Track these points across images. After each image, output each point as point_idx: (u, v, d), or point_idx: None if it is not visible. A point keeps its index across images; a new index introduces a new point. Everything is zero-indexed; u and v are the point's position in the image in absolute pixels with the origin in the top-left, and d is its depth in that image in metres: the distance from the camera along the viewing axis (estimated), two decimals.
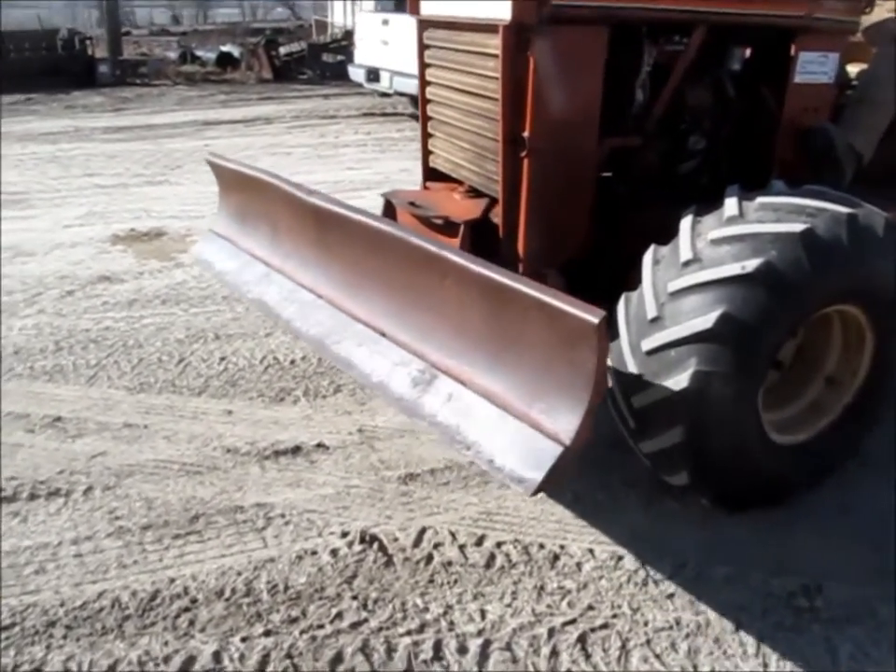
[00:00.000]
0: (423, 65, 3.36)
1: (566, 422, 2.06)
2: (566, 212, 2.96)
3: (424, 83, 3.40)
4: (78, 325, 4.58)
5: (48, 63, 17.08)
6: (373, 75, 11.65)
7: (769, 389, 2.95)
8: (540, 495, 2.95)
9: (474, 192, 3.25)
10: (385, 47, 11.24)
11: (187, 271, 5.48)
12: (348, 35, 15.73)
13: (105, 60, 18.25)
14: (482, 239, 3.08)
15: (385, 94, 12.77)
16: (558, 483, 2.09)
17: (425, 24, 3.29)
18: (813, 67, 3.20)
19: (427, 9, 3.21)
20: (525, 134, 2.77)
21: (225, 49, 20.14)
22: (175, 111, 13.67)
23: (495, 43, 2.75)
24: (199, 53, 20.50)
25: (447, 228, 3.14)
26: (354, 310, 2.88)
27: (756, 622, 2.49)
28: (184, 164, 9.23)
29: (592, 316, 1.94)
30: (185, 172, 8.86)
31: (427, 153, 3.55)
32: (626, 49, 2.93)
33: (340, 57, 17.10)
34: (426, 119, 3.48)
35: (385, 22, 11.25)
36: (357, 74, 12.40)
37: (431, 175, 3.57)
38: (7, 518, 2.91)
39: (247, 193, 3.52)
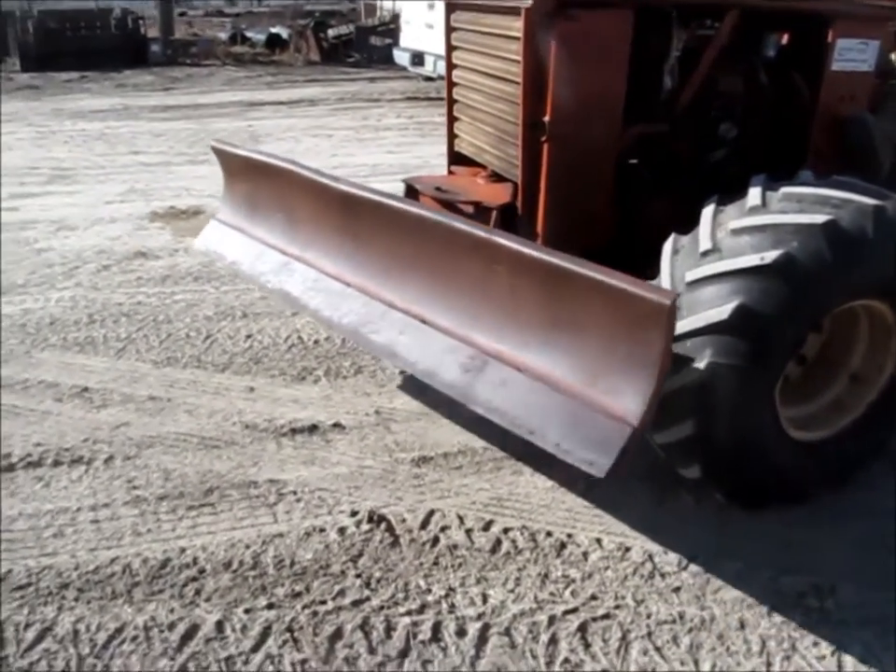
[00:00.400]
0: (450, 48, 3.35)
1: (632, 403, 2.06)
2: (586, 199, 2.92)
3: (450, 66, 3.39)
4: (112, 299, 4.68)
5: (102, 42, 17.41)
6: (418, 58, 11.65)
7: (791, 385, 2.90)
8: (552, 483, 2.99)
9: (497, 177, 3.23)
10: (430, 30, 11.21)
11: None
12: (396, 18, 15.71)
13: (156, 40, 18.53)
14: (504, 224, 3.06)
15: (429, 78, 12.77)
16: (626, 465, 2.10)
17: (452, 6, 3.28)
18: (851, 55, 3.11)
19: None
20: (546, 119, 2.74)
21: (274, 30, 20.31)
22: (222, 91, 13.84)
23: (517, 25, 2.73)
24: (249, 34, 20.69)
25: (475, 213, 3.12)
26: (389, 297, 2.81)
27: (762, 620, 2.45)
28: None
29: (664, 298, 1.96)
30: None
31: (452, 137, 3.54)
32: (654, 33, 2.88)
33: (387, 40, 17.10)
34: (451, 103, 3.47)
35: (431, 6, 11.22)
36: (401, 57, 12.41)
37: (456, 159, 3.56)
38: (31, 482, 3.00)
39: (259, 180, 3.41)
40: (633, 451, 2.06)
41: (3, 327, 4.29)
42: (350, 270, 3.00)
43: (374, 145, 9.36)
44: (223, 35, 21.02)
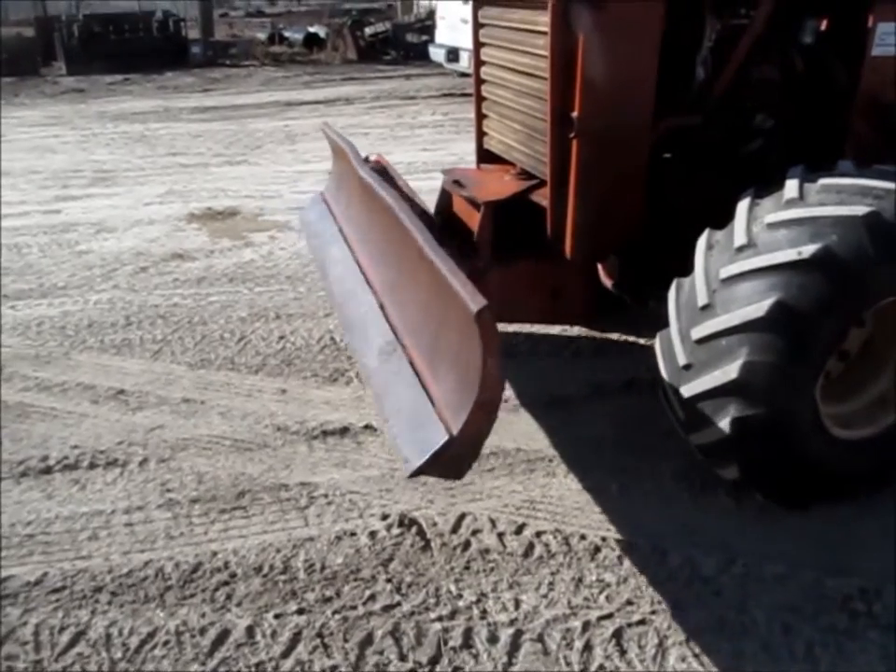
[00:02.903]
0: (477, 45, 3.31)
1: (456, 412, 1.98)
2: (617, 195, 2.86)
3: (478, 63, 3.35)
4: (149, 300, 4.73)
5: (144, 44, 17.71)
6: (453, 55, 11.60)
7: (833, 381, 2.80)
8: (586, 485, 2.95)
9: (525, 174, 3.18)
10: (464, 26, 11.13)
11: (256, 250, 5.59)
12: (432, 14, 15.67)
13: (197, 41, 18.77)
14: (531, 222, 3.03)
15: (464, 74, 12.67)
16: (449, 474, 2.17)
17: (479, 2, 3.23)
18: (893, 39, 2.98)
19: None
20: (574, 115, 2.68)
21: (312, 29, 20.42)
22: (260, 91, 13.96)
23: (544, 20, 2.67)
24: (287, 34, 20.84)
25: (473, 208, 3.16)
26: (370, 277, 2.99)
27: (807, 624, 2.37)
28: (263, 144, 9.41)
29: (473, 304, 1.84)
30: (264, 152, 9.02)
31: (480, 134, 3.50)
32: (686, 22, 2.80)
33: (424, 37, 17.09)
34: (479, 100, 3.43)
35: (466, 1, 11.15)
36: (437, 54, 12.38)
37: (485, 156, 3.52)
38: (68, 485, 3.03)
39: (339, 160, 3.77)
40: (455, 459, 2.01)
41: (44, 329, 4.36)
42: (360, 247, 3.22)
43: (409, 143, 9.34)
44: (262, 36, 21.20)
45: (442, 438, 1.97)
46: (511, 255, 3.11)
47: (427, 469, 1.99)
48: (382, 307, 2.76)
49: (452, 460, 1.99)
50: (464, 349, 1.98)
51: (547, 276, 3.13)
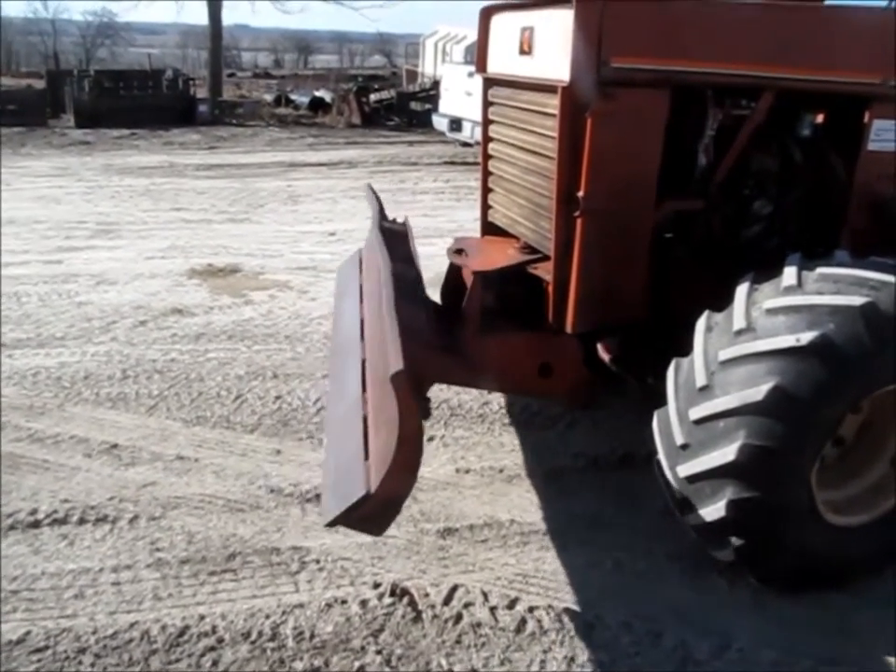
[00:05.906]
0: (486, 122, 3.42)
1: (378, 470, 2.07)
2: (619, 273, 2.92)
3: (486, 139, 3.45)
4: (146, 355, 4.73)
5: (153, 101, 18.05)
6: (456, 124, 11.89)
7: (829, 467, 2.82)
8: (580, 560, 2.92)
9: (528, 248, 3.25)
10: (468, 98, 11.44)
11: (255, 308, 5.62)
12: (436, 84, 16.07)
13: (205, 100, 19.14)
14: (527, 295, 3.10)
15: (466, 144, 12.96)
16: (365, 528, 2.25)
17: (490, 82, 3.35)
18: (888, 135, 3.09)
19: (492, 68, 3.26)
20: (580, 194, 2.76)
21: (318, 93, 20.88)
22: (264, 151, 14.18)
23: (553, 103, 2.77)
24: (293, 97, 21.30)
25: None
26: (364, 333, 3.03)
27: None
28: (267, 203, 9.53)
29: (392, 366, 1.98)
30: (266, 211, 9.14)
31: (486, 207, 3.58)
32: (690, 111, 2.90)
33: (427, 106, 17.47)
34: (486, 174, 3.52)
35: (471, 74, 11.47)
36: (440, 123, 12.68)
37: (489, 229, 3.60)
38: (56, 540, 2.99)
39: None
40: (372, 515, 2.11)
41: (39, 379, 4.36)
42: (365, 303, 3.31)
43: (410, 208, 9.45)
44: (268, 97, 21.66)
45: (360, 493, 2.05)
46: (498, 326, 3.16)
47: (342, 520, 2.08)
48: (363, 362, 2.82)
49: (368, 516, 2.09)
50: (391, 410, 2.07)
51: (535, 351, 3.16)
